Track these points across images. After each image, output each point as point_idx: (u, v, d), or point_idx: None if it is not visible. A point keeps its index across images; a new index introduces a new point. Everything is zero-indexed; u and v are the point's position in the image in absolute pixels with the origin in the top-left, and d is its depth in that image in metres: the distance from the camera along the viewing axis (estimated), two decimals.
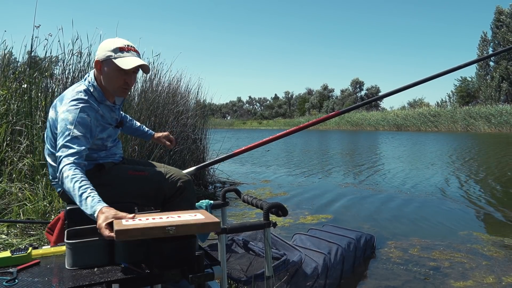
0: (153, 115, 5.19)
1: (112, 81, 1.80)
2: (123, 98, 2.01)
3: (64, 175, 1.50)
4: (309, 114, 65.60)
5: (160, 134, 2.47)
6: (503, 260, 3.07)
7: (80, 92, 1.78)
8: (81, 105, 1.72)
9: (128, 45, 1.79)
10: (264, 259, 2.20)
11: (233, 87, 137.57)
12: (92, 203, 1.40)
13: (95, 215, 1.37)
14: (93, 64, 1.86)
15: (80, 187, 1.44)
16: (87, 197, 1.42)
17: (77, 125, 1.65)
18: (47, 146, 1.88)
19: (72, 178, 1.47)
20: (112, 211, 1.37)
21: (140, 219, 1.36)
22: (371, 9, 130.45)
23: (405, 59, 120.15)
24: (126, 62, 1.75)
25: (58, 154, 1.59)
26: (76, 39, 4.53)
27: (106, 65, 1.78)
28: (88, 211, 1.40)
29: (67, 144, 1.59)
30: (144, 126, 2.51)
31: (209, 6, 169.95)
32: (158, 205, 1.98)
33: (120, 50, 1.76)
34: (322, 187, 6.76)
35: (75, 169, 1.51)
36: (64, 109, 1.71)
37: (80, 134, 1.64)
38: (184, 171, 2.28)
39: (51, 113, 1.82)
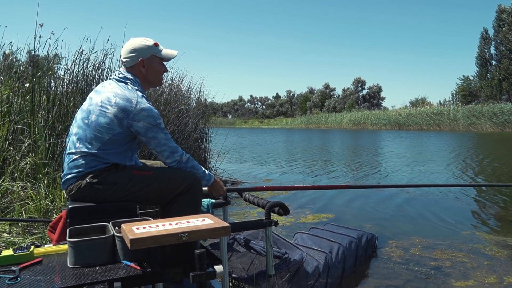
0: None
1: (157, 73, 2.06)
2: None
3: (185, 157, 1.98)
4: (310, 113, 65.55)
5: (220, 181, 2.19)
6: (505, 260, 3.07)
7: (137, 90, 1.94)
8: (148, 103, 1.92)
9: (155, 41, 2.05)
10: (265, 257, 2.20)
11: (234, 86, 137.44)
12: (209, 174, 2.07)
13: (213, 180, 2.07)
14: (121, 63, 2.03)
15: (198, 164, 2.05)
16: (204, 170, 2.06)
17: (160, 118, 1.93)
18: (88, 137, 1.84)
19: (190, 158, 2.01)
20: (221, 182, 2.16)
21: (150, 226, 1.37)
22: (373, 8, 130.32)
23: (406, 58, 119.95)
24: (169, 53, 2.07)
25: (164, 142, 1.91)
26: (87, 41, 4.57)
27: (150, 62, 2.01)
28: (207, 177, 2.05)
29: (167, 134, 1.95)
30: None
31: (210, 5, 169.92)
32: (162, 205, 1.97)
33: (156, 46, 2.03)
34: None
35: (186, 153, 2.01)
36: (141, 107, 1.85)
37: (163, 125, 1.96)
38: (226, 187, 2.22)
39: (115, 110, 1.83)
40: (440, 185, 6.42)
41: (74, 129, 1.93)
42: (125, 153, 1.93)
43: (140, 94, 1.92)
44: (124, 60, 2.01)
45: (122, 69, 2.02)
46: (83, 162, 1.85)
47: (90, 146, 1.85)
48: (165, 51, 2.06)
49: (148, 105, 1.89)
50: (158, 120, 1.89)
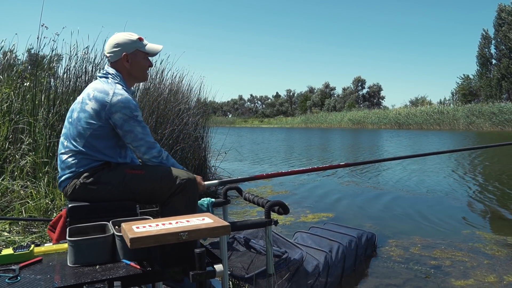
0: (154, 113, 5.20)
1: (141, 68, 2.04)
2: (132, 91, 2.12)
3: (164, 154, 1.95)
4: (310, 112, 65.54)
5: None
6: (505, 259, 3.07)
7: (117, 83, 1.92)
8: (126, 94, 1.88)
9: (139, 36, 2.04)
10: (265, 257, 2.20)
11: (234, 85, 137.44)
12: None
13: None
14: (105, 59, 2.06)
15: (176, 162, 2.01)
16: (183, 168, 1.99)
17: (138, 110, 1.88)
18: (72, 134, 1.86)
19: (169, 155, 1.99)
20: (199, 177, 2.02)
21: (150, 225, 1.37)
22: (372, 7, 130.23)
23: (406, 57, 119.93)
24: (153, 48, 2.04)
25: (141, 136, 1.86)
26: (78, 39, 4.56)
27: (134, 56, 2.00)
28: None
29: (145, 128, 1.89)
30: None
31: (210, 5, 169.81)
32: (157, 203, 1.97)
33: (140, 40, 2.01)
34: (324, 185, 6.76)
35: (164, 150, 1.98)
36: (117, 98, 1.83)
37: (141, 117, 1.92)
38: (206, 183, 2.16)
39: (93, 104, 1.84)
40: (435, 153, 6.46)
41: (63, 129, 1.95)
42: (113, 150, 1.91)
43: (119, 86, 1.90)
44: (108, 55, 2.00)
45: (106, 66, 2.03)
46: (73, 161, 1.84)
47: (75, 144, 1.85)
48: (150, 45, 2.04)
49: (125, 96, 1.85)
50: (135, 112, 1.85)
